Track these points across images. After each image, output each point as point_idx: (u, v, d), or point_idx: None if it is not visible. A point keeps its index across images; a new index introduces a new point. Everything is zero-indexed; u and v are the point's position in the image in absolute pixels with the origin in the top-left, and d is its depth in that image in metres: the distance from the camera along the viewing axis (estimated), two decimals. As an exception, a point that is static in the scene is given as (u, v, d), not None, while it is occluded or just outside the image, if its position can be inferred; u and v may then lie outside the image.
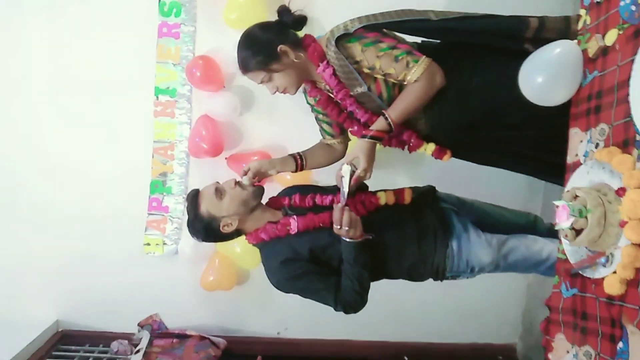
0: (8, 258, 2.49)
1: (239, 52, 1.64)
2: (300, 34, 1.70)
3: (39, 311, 2.51)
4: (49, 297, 2.55)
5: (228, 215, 1.61)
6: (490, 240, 1.66)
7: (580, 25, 1.39)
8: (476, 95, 1.61)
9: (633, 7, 1.15)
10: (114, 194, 2.47)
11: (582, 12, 1.38)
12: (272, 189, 1.86)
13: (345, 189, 1.58)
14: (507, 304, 2.68)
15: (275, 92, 1.67)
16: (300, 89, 1.74)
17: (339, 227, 1.50)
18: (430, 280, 1.73)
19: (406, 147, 1.78)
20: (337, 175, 1.65)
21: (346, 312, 1.60)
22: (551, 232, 1.48)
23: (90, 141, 2.45)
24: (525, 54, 1.46)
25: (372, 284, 1.64)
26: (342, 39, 1.57)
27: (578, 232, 1.18)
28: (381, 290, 2.44)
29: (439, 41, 1.70)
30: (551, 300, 1.39)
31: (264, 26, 1.66)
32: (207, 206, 1.60)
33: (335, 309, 1.60)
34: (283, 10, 1.66)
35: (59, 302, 2.57)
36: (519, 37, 1.58)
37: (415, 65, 1.53)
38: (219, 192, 1.61)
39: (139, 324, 2.51)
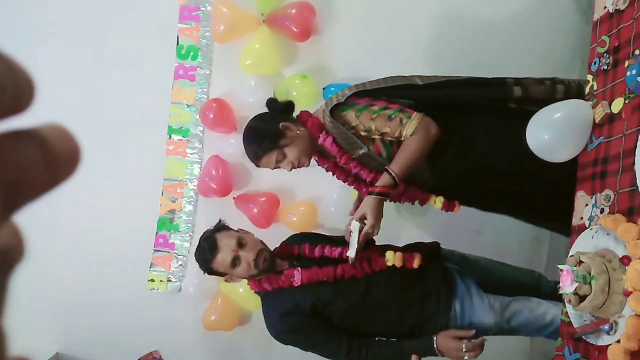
0: (11, 287, 2.49)
1: (246, 146, 1.70)
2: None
3: (40, 343, 2.49)
4: (51, 329, 2.54)
5: (235, 276, 1.65)
6: (493, 303, 1.65)
7: (587, 90, 1.42)
8: (478, 146, 1.65)
9: (639, 79, 1.17)
10: (121, 229, 2.49)
11: (590, 77, 1.41)
12: (280, 232, 1.87)
13: (354, 244, 1.59)
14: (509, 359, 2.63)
15: (292, 169, 1.69)
16: (315, 160, 1.81)
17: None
18: None
19: (416, 201, 1.80)
20: (346, 230, 1.67)
21: None
22: (555, 292, 1.47)
23: (101, 175, 2.46)
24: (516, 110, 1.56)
25: None
26: (336, 109, 1.64)
27: (582, 297, 1.18)
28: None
29: None
30: (555, 363, 1.38)
31: (259, 117, 1.74)
32: (219, 265, 1.61)
33: None
34: (270, 101, 1.76)
35: (60, 334, 2.55)
36: (502, 103, 1.67)
37: (408, 121, 1.59)
38: (234, 263, 1.60)
39: (138, 359, 2.49)
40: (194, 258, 1.69)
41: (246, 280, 1.70)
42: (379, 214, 1.61)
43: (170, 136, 2.44)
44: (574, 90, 1.64)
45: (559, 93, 1.65)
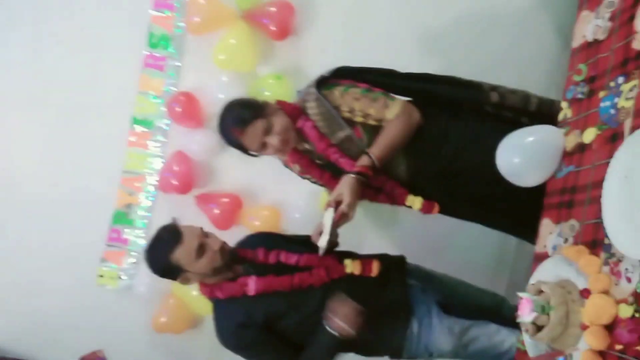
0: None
1: (230, 123, 1.60)
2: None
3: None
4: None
5: (194, 273, 1.54)
6: (452, 326, 1.62)
7: (560, 117, 1.41)
8: (455, 141, 1.64)
9: (612, 111, 1.16)
10: (73, 219, 2.37)
11: (564, 104, 1.40)
12: (240, 235, 1.80)
13: (326, 231, 1.51)
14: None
15: (279, 143, 1.59)
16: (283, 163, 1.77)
17: (336, 318, 1.46)
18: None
19: (393, 204, 1.74)
20: (315, 231, 1.58)
21: None
22: (515, 318, 1.45)
23: (57, 160, 2.37)
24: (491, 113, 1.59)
25: None
26: (320, 88, 1.61)
27: (539, 327, 1.16)
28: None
29: None
30: (508, 391, 1.35)
31: (234, 100, 1.68)
32: (181, 256, 1.50)
33: None
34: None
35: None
36: (478, 105, 1.67)
37: (392, 104, 1.58)
38: (201, 250, 1.51)
39: (81, 358, 2.37)
40: (144, 255, 1.59)
41: (198, 285, 1.62)
42: (356, 194, 1.54)
43: (133, 127, 2.35)
44: (547, 107, 1.64)
45: (532, 104, 1.66)
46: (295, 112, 1.65)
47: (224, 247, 1.56)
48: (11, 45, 2.33)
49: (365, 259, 1.66)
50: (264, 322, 1.53)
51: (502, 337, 1.62)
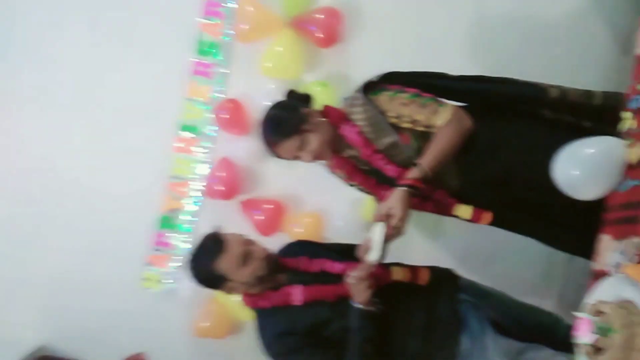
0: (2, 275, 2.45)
1: (265, 132, 1.61)
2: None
3: (24, 333, 2.43)
4: (37, 320, 2.47)
5: (238, 282, 1.52)
6: (508, 347, 1.53)
7: (625, 127, 1.33)
8: (508, 149, 1.57)
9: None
10: (120, 223, 2.42)
11: (628, 115, 1.32)
12: (282, 243, 1.79)
13: (376, 247, 1.45)
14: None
15: (312, 158, 1.61)
16: (328, 164, 1.74)
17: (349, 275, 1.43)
18: None
19: (439, 214, 1.69)
20: (362, 246, 1.51)
21: None
22: (569, 339, 1.36)
23: (106, 164, 2.43)
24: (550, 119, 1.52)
25: None
26: (367, 93, 1.58)
27: (598, 350, 1.09)
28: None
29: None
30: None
31: (279, 103, 1.67)
32: (226, 265, 1.49)
33: None
34: (290, 92, 1.71)
35: (46, 326, 2.48)
36: (536, 106, 1.60)
37: (442, 110, 1.52)
38: (247, 258, 1.49)
39: (123, 360, 2.42)
40: (188, 264, 1.58)
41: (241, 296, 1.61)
42: (407, 208, 1.47)
43: (180, 133, 2.39)
44: (613, 99, 1.55)
45: (597, 98, 1.57)
46: (340, 118, 1.63)
47: (269, 255, 1.54)
48: (65, 46, 2.40)
49: (414, 267, 1.61)
50: (309, 330, 1.50)
51: None
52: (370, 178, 1.71)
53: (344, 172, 1.73)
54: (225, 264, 1.49)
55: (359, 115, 1.59)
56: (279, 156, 1.63)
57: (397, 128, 1.57)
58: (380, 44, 2.36)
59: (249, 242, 1.54)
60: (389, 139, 1.57)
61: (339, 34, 2.30)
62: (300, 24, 2.26)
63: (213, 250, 1.50)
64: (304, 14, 2.27)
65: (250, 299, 1.58)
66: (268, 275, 1.53)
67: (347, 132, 1.60)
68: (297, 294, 1.50)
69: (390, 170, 1.59)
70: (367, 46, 2.36)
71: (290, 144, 1.57)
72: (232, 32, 2.34)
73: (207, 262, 1.51)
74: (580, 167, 1.29)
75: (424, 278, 1.59)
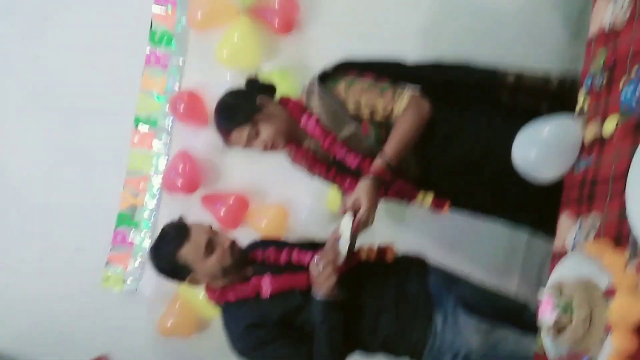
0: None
1: (217, 120, 1.60)
2: None
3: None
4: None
5: (202, 272, 1.48)
6: (479, 324, 1.54)
7: (577, 108, 1.35)
8: (467, 134, 1.59)
9: (634, 99, 1.10)
10: (77, 221, 2.35)
11: (581, 95, 1.34)
12: (247, 236, 1.75)
13: (344, 243, 1.44)
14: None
15: (264, 148, 1.59)
16: (289, 154, 1.72)
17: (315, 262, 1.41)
18: None
19: (403, 200, 1.70)
20: (331, 237, 1.50)
21: None
22: (535, 323, 1.38)
23: (59, 162, 2.35)
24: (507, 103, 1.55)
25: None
26: (325, 82, 1.57)
27: (561, 329, 1.11)
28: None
29: None
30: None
31: (234, 92, 1.64)
32: (189, 253, 1.44)
33: None
34: (251, 80, 1.67)
35: (4, 329, 2.40)
36: (493, 91, 1.62)
37: (400, 96, 1.52)
38: (210, 247, 1.45)
39: (87, 362, 2.35)
40: (149, 254, 1.53)
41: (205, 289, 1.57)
42: (374, 199, 1.48)
43: (136, 126, 2.32)
44: (568, 83, 1.58)
45: (552, 83, 1.60)
46: (298, 108, 1.61)
47: (234, 244, 1.50)
48: (12, 46, 2.31)
49: (379, 246, 1.62)
50: (280, 321, 1.47)
51: (527, 342, 1.54)
52: (331, 168, 1.70)
53: (305, 163, 1.72)
54: (189, 252, 1.45)
55: (316, 106, 1.57)
56: (231, 144, 1.61)
57: (356, 117, 1.57)
58: (337, 30, 2.34)
59: (213, 231, 1.50)
60: (348, 129, 1.57)
61: (295, 21, 2.27)
62: (256, 11, 2.22)
63: (176, 239, 1.46)
64: (259, 1, 2.23)
65: (215, 294, 1.54)
66: (234, 266, 1.49)
67: (306, 122, 1.59)
68: (266, 284, 1.46)
69: (351, 160, 1.58)
70: (325, 33, 2.34)
71: (241, 133, 1.55)
72: (185, 20, 2.28)
73: (171, 251, 1.46)
74: (537, 150, 1.30)
75: (389, 255, 1.60)
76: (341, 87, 1.56)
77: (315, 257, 1.44)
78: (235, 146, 1.62)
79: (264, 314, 1.47)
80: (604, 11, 1.33)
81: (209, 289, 1.55)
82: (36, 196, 2.36)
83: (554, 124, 1.33)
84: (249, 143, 1.58)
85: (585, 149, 1.27)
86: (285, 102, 1.64)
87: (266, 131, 1.56)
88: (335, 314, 1.45)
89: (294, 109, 1.61)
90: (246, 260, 1.54)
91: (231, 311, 1.52)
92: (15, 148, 2.35)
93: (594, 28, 1.37)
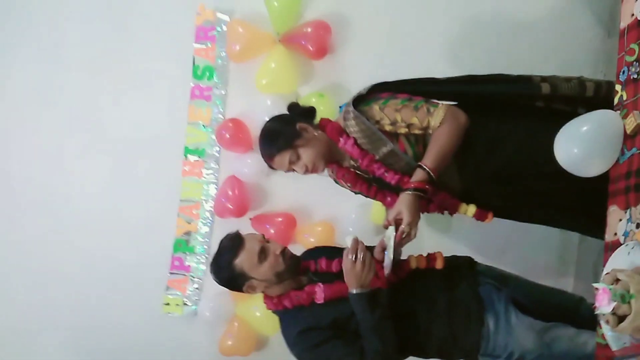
0: (24, 312, 2.48)
1: (261, 145, 1.69)
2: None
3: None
4: (60, 352, 2.50)
5: (258, 279, 1.55)
6: (533, 324, 1.55)
7: (616, 100, 1.37)
8: (507, 143, 1.59)
9: (673, 86, 1.12)
10: (136, 251, 2.46)
11: (618, 87, 1.36)
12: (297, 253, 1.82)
13: (389, 255, 1.49)
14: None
15: (305, 172, 1.66)
16: (331, 174, 1.79)
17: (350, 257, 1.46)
18: None
19: (446, 212, 1.70)
20: (377, 249, 1.56)
21: None
22: (594, 318, 1.36)
23: (117, 197, 2.47)
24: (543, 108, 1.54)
25: None
26: (359, 105, 1.61)
27: (620, 318, 1.11)
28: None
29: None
30: (593, 389, 1.29)
31: (276, 117, 1.74)
32: (244, 261, 1.52)
33: None
34: (292, 105, 1.76)
35: (70, 357, 2.51)
36: (529, 101, 1.62)
37: (435, 110, 1.55)
38: (262, 253, 1.53)
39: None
40: (210, 268, 1.62)
41: (263, 298, 1.64)
42: (416, 212, 1.51)
43: (186, 157, 2.43)
44: (604, 89, 1.58)
45: (588, 90, 1.59)
46: (336, 131, 1.65)
47: (285, 250, 1.58)
48: (68, 95, 2.46)
49: (428, 254, 1.65)
50: (332, 324, 1.52)
51: (584, 339, 1.52)
52: (372, 186, 1.75)
53: (347, 182, 1.77)
54: (244, 260, 1.53)
55: (353, 128, 1.61)
56: (274, 168, 1.70)
57: (393, 135, 1.60)
58: (369, 50, 2.41)
59: (265, 240, 1.59)
60: (385, 148, 1.60)
61: (328, 45, 2.34)
62: (291, 39, 2.32)
63: (232, 249, 1.54)
64: (293, 29, 2.32)
65: (272, 301, 1.60)
66: (287, 271, 1.56)
67: (344, 144, 1.64)
68: (319, 292, 1.53)
69: (390, 177, 1.62)
70: (357, 54, 2.41)
71: (283, 157, 1.63)
72: (224, 53, 2.40)
73: (228, 260, 1.54)
74: (579, 145, 1.31)
75: (439, 261, 1.62)
76: (376, 108, 1.59)
77: (347, 251, 1.49)
78: (279, 170, 1.70)
79: (318, 319, 1.53)
80: (634, 3, 1.36)
81: (267, 298, 1.62)
82: (97, 230, 2.48)
83: (594, 117, 1.34)
84: (290, 167, 1.65)
85: (627, 140, 1.28)
86: (324, 125, 1.69)
87: (306, 155, 1.63)
88: (377, 305, 1.49)
89: (332, 132, 1.66)
90: (300, 269, 1.61)
91: (288, 317, 1.59)
92: (79, 187, 2.49)
93: (625, 20, 1.39)
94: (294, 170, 1.67)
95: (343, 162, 1.73)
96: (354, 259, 1.47)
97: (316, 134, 1.65)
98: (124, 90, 2.46)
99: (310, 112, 1.75)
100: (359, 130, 1.60)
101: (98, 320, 2.49)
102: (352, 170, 1.74)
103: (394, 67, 2.35)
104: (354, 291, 1.48)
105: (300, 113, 1.73)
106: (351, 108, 1.60)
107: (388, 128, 1.58)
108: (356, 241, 1.50)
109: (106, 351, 2.50)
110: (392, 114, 1.56)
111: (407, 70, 2.06)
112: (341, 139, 1.63)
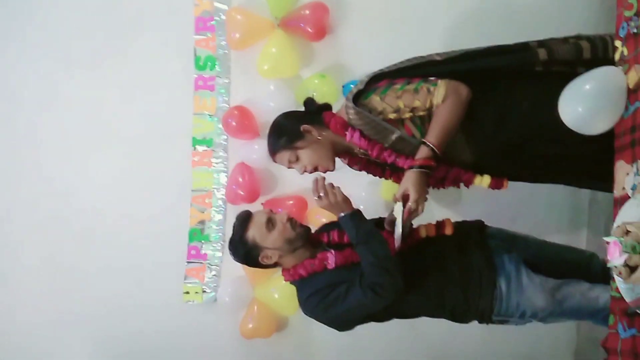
0: (47, 309, 2.53)
1: (268, 139, 1.75)
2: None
3: (73, 354, 2.55)
4: (83, 341, 2.55)
5: (271, 248, 1.61)
6: (544, 283, 1.58)
7: (617, 56, 1.38)
8: (513, 114, 1.59)
9: (672, 37, 1.13)
10: (152, 243, 2.50)
11: (618, 43, 1.37)
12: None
13: (398, 229, 1.54)
14: (555, 346, 2.54)
15: (303, 172, 1.72)
16: (344, 163, 1.83)
17: (317, 197, 1.57)
18: (475, 322, 1.67)
19: (461, 184, 1.72)
20: (387, 221, 1.63)
21: (379, 296, 1.50)
22: (606, 273, 1.39)
23: (131, 193, 2.51)
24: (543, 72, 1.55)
25: (412, 323, 1.60)
26: (359, 98, 1.61)
27: (632, 269, 1.13)
28: (422, 335, 2.35)
29: None
30: (608, 341, 1.32)
31: (288, 114, 1.78)
32: (254, 233, 1.60)
33: (366, 300, 1.51)
34: (308, 101, 1.79)
35: (93, 347, 2.56)
36: (529, 68, 1.62)
37: (435, 88, 1.55)
38: (270, 223, 1.61)
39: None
40: (228, 249, 1.70)
41: (281, 272, 1.69)
42: (422, 188, 1.54)
43: (194, 147, 2.46)
44: (600, 48, 1.57)
45: (585, 52, 1.58)
46: (341, 126, 1.65)
47: (292, 218, 1.65)
48: (75, 95, 2.49)
49: (437, 221, 1.69)
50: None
51: (596, 293, 1.56)
52: (386, 169, 1.79)
53: (361, 169, 1.83)
54: (255, 232, 1.61)
55: (356, 122, 1.62)
56: (276, 162, 1.75)
57: (399, 122, 1.60)
58: (368, 28, 2.41)
59: (271, 211, 1.67)
60: (394, 136, 1.60)
61: (327, 26, 2.35)
62: (289, 23, 2.32)
63: (242, 224, 1.63)
64: (291, 13, 2.33)
65: (290, 273, 1.65)
66: (297, 239, 1.62)
67: (351, 137, 1.65)
68: (331, 257, 1.59)
69: (401, 162, 1.63)
70: (356, 33, 2.42)
71: (283, 156, 1.70)
72: (225, 42, 2.42)
73: (239, 235, 1.63)
74: (584, 103, 1.32)
75: (448, 228, 1.66)
76: (376, 99, 1.59)
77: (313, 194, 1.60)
78: (280, 165, 1.76)
79: (330, 281, 1.58)
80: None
81: (284, 271, 1.68)
82: (114, 224, 2.52)
83: (595, 75, 1.35)
84: (290, 166, 1.72)
85: (630, 95, 1.29)
86: (327, 120, 1.69)
87: (305, 157, 1.68)
88: (364, 223, 1.59)
89: (336, 127, 1.66)
90: (310, 237, 1.67)
91: (304, 284, 1.64)
92: (93, 185, 2.52)
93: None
94: (292, 168, 1.73)
95: (353, 151, 1.76)
96: (320, 195, 1.58)
97: (320, 136, 1.68)
98: (129, 88, 2.48)
99: (325, 108, 1.76)
100: (363, 123, 1.60)
101: (119, 314, 2.54)
102: (364, 157, 1.76)
103: (394, 43, 2.37)
104: (341, 214, 1.58)
105: (314, 110, 1.75)
106: (351, 104, 1.59)
107: (392, 116, 1.58)
108: (316, 181, 1.60)
109: (130, 344, 2.54)
110: (394, 102, 1.57)
111: (406, 46, 2.08)
112: (347, 133, 1.64)
